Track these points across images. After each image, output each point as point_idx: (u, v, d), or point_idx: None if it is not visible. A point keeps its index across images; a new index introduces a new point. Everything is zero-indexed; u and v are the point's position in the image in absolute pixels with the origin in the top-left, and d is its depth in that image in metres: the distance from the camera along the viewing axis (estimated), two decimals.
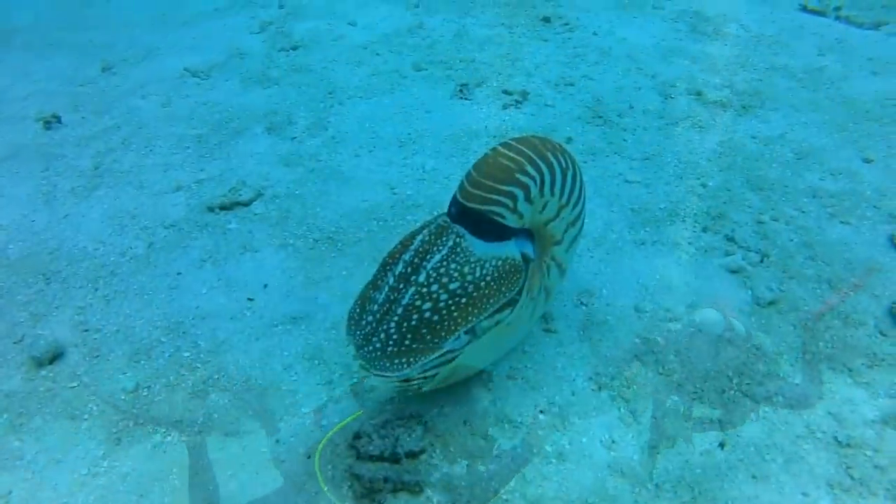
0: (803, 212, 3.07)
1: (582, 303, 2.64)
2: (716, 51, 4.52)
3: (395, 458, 2.06)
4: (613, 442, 2.15)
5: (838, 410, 2.24)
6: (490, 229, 1.90)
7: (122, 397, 2.31)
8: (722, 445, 2.14)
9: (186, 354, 2.46)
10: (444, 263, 1.83)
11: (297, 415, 2.24)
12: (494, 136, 3.60)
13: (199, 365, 2.42)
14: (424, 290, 1.81)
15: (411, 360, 1.79)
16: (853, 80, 4.13)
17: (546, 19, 4.83)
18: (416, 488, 2.00)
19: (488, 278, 1.85)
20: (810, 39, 4.67)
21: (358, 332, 1.86)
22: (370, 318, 1.85)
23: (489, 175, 1.89)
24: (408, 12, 4.96)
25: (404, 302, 1.81)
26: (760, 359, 2.42)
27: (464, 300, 1.81)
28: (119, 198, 3.25)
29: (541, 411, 2.24)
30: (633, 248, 2.90)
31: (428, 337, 1.79)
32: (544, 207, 2.04)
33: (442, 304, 1.80)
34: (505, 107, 3.87)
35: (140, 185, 3.33)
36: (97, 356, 2.46)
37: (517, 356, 2.42)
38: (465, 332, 1.87)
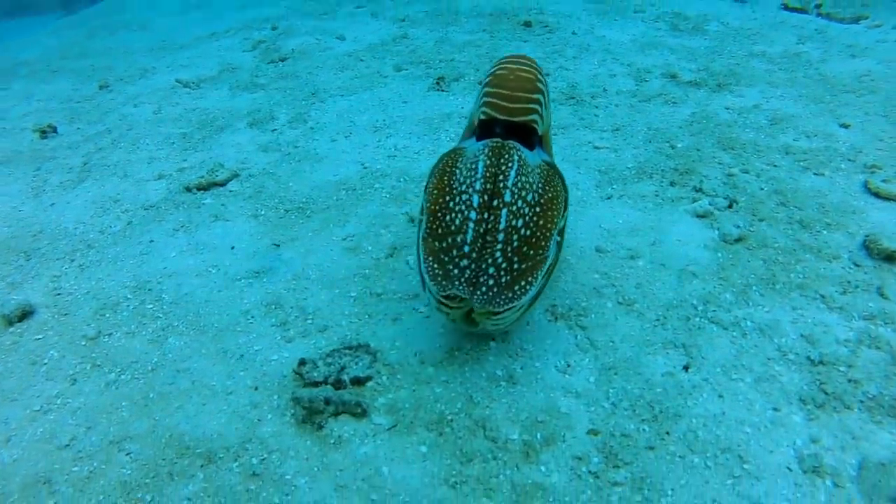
0: (775, 165, 3.03)
1: None
2: (694, 43, 4.59)
3: (339, 384, 2.01)
4: (569, 366, 2.07)
5: (811, 332, 2.13)
6: (528, 139, 2.02)
7: (83, 343, 2.32)
8: (686, 368, 2.05)
9: (150, 307, 2.47)
10: (519, 178, 1.78)
11: (249, 352, 2.21)
12: (465, 118, 3.66)
13: (160, 315, 2.43)
14: (514, 208, 1.75)
15: (529, 279, 1.73)
16: (831, 62, 4.14)
17: (527, 24, 4.98)
18: (357, 410, 1.93)
19: (545, 182, 1.83)
20: (790, 31, 4.72)
21: (458, 283, 1.71)
22: (465, 261, 1.72)
23: (520, 88, 2.01)
24: (394, 25, 5.17)
25: (501, 226, 1.74)
26: (727, 289, 2.33)
27: (539, 208, 1.78)
28: (103, 186, 3.34)
29: (492, 339, 2.17)
30: (599, 202, 2.87)
31: (531, 252, 1.74)
32: (546, 112, 2.14)
33: (529, 217, 1.76)
34: None
35: (124, 175, 3.44)
36: (66, 314, 2.48)
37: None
38: (558, 235, 1.85)
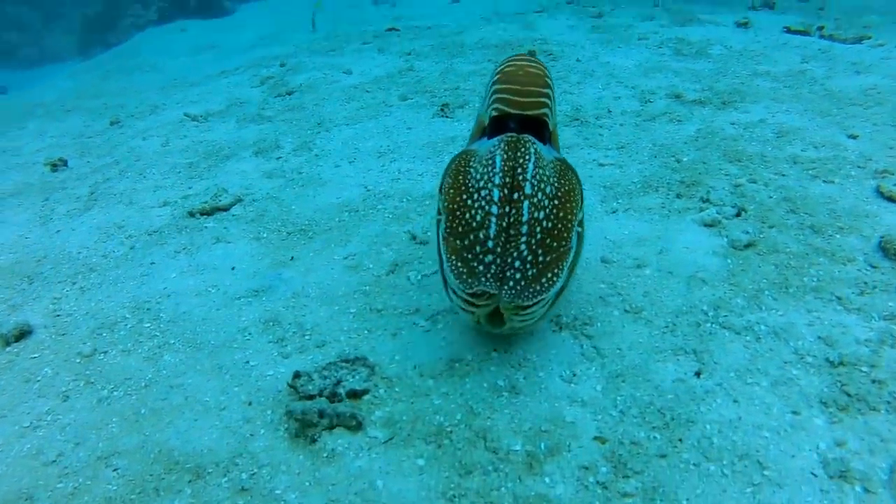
0: (783, 175, 2.96)
1: None
2: (698, 66, 4.60)
3: (334, 397, 1.93)
4: (574, 375, 1.98)
5: (828, 334, 2.03)
6: (540, 133, 2.01)
7: (78, 361, 2.28)
8: (698, 374, 1.95)
9: (147, 325, 2.44)
10: (538, 170, 1.76)
11: (244, 368, 2.16)
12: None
13: (157, 333, 2.40)
14: (535, 199, 1.73)
15: (556, 270, 1.70)
16: (836, 78, 4.11)
17: (531, 53, 5.04)
18: (353, 423, 1.85)
19: (560, 175, 1.81)
20: (793, 51, 4.72)
21: (485, 279, 1.69)
22: (490, 257, 1.70)
23: (530, 83, 2.01)
24: (400, 59, 5.25)
25: (524, 219, 1.71)
26: (739, 294, 2.24)
27: (557, 201, 1.76)
28: (109, 213, 3.37)
29: (494, 350, 2.09)
30: (605, 216, 2.81)
31: (555, 244, 1.72)
32: (554, 109, 2.14)
33: (549, 209, 1.74)
34: None
35: (130, 202, 3.46)
36: (63, 334, 2.46)
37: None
38: (578, 226, 1.83)
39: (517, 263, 1.69)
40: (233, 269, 2.75)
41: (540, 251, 1.70)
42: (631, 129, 3.66)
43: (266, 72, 5.35)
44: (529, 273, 1.69)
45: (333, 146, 3.85)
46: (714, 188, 2.90)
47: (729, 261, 2.41)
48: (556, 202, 1.76)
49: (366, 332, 2.28)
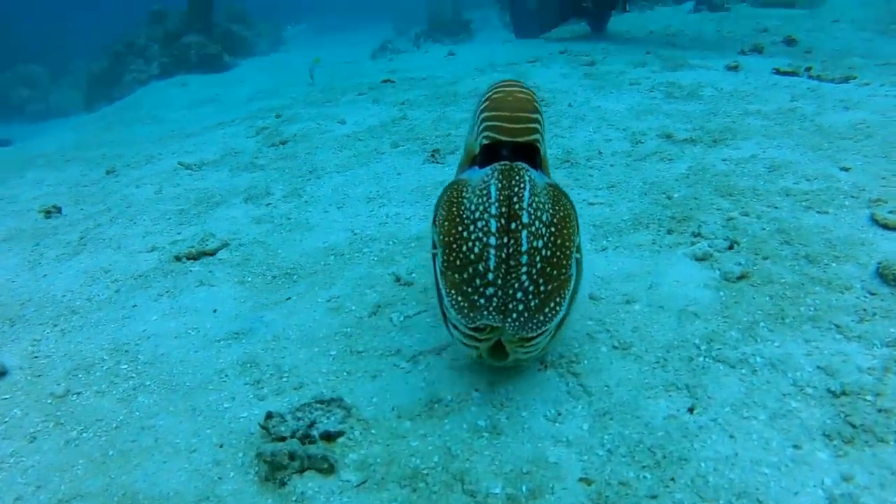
0: (776, 207, 2.90)
1: None
2: (689, 108, 4.62)
3: (307, 439, 1.83)
4: (559, 414, 1.87)
5: (828, 363, 1.92)
6: (531, 160, 1.98)
7: (49, 402, 2.21)
8: (691, 410, 1.84)
9: (124, 367, 2.39)
10: (533, 198, 1.74)
11: (218, 409, 2.08)
12: None
13: (133, 375, 2.34)
14: (533, 228, 1.71)
15: (558, 299, 1.68)
16: (826, 115, 4.10)
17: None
18: (325, 465, 1.74)
19: (554, 201, 1.79)
20: (783, 91, 4.75)
21: (487, 313, 1.64)
22: (491, 289, 1.66)
23: (520, 108, 1.97)
24: (394, 109, 5.32)
25: (524, 249, 1.68)
26: (733, 327, 2.14)
27: (554, 228, 1.74)
28: (97, 258, 3.35)
29: (476, 389, 1.99)
30: (594, 254, 2.74)
31: (555, 273, 1.69)
32: (544, 135, 2.12)
33: (547, 237, 1.72)
34: None
35: (118, 247, 3.45)
36: (39, 375, 2.40)
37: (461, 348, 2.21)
38: (577, 252, 1.79)
39: (519, 295, 1.65)
40: (214, 311, 2.69)
41: (541, 281, 1.68)
42: (621, 169, 3.64)
43: (262, 123, 5.43)
44: (532, 304, 1.65)
45: (323, 192, 3.85)
46: (705, 222, 2.84)
47: (722, 293, 2.33)
48: (553, 229, 1.73)
49: (345, 373, 2.19)
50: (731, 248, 2.61)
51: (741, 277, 2.38)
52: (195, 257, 3.19)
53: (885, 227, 2.57)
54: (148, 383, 2.27)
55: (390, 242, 3.07)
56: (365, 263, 2.92)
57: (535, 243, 1.69)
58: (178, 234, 3.53)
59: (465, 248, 1.71)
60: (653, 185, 3.33)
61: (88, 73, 11.20)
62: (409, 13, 13.45)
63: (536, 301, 1.65)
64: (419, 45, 9.77)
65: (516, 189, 1.73)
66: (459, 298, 1.67)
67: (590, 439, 1.77)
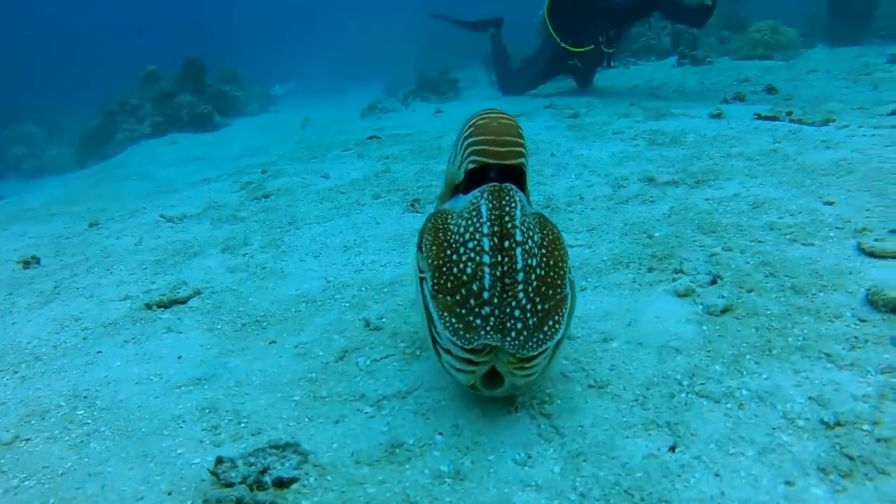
0: (760, 241, 2.81)
1: None
2: (672, 153, 4.61)
3: (259, 486, 1.68)
4: (529, 457, 1.72)
5: (820, 393, 1.78)
6: (519, 183, 1.94)
7: None
8: (673, 448, 1.68)
9: (80, 413, 2.26)
10: (524, 218, 1.73)
11: (171, 456, 1.94)
12: None
13: (89, 421, 2.21)
14: (527, 246, 1.68)
15: (556, 317, 1.64)
16: (808, 154, 4.08)
17: None
18: None
19: (542, 226, 1.78)
20: (765, 134, 4.75)
21: (485, 333, 1.59)
22: (487, 309, 1.61)
23: (506, 132, 1.95)
24: (378, 163, 5.32)
25: (519, 266, 1.65)
26: (717, 361, 2.01)
27: (545, 249, 1.72)
28: (68, 306, 3.26)
29: (440, 433, 1.83)
30: None
31: (550, 292, 1.66)
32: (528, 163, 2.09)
33: (540, 256, 1.70)
34: None
35: (91, 296, 3.36)
36: None
37: (430, 393, 2.07)
38: (569, 273, 1.76)
39: (517, 313, 1.61)
40: (179, 358, 2.58)
41: (537, 299, 1.64)
42: (602, 213, 3.57)
43: (247, 178, 5.44)
44: (531, 322, 1.61)
45: (301, 242, 3.78)
46: (687, 259, 2.75)
47: (705, 327, 2.20)
48: (544, 251, 1.72)
49: (306, 419, 2.04)
50: (713, 282, 2.50)
51: (725, 311, 2.26)
52: (166, 305, 3.10)
53: (872, 255, 2.47)
54: (103, 429, 2.15)
55: (363, 289, 2.97)
56: (336, 309, 2.81)
57: (529, 261, 1.66)
58: (153, 283, 3.45)
59: (455, 269, 1.67)
60: (633, 226, 3.25)
61: (82, 131, 11.42)
62: (400, 75, 13.85)
63: (535, 319, 1.61)
64: (407, 104, 9.96)
65: (507, 209, 1.72)
66: (453, 320, 1.61)
67: (561, 482, 1.60)
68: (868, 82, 6.77)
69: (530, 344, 1.58)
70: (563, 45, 7.96)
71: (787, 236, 2.82)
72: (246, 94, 13.21)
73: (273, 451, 1.82)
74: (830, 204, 3.14)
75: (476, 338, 1.58)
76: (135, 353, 2.67)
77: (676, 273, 2.64)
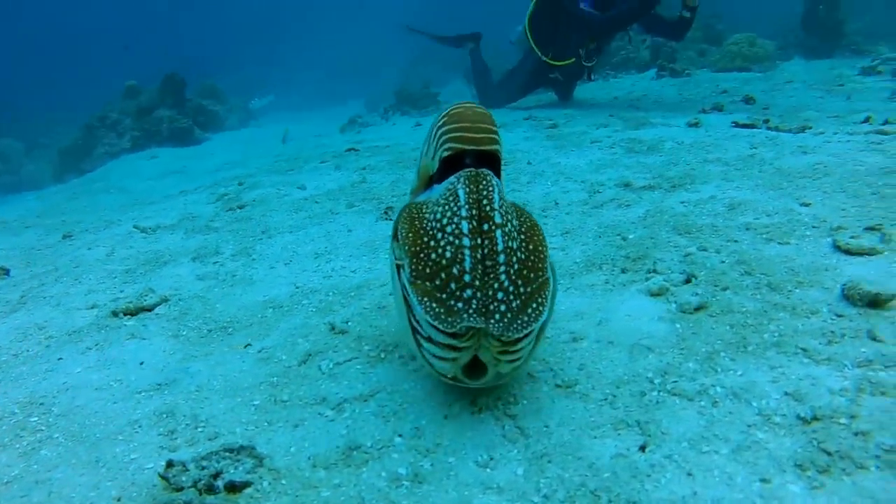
0: (736, 241, 2.76)
1: None
2: (650, 160, 4.58)
3: (210, 490, 1.57)
4: (491, 459, 1.62)
5: (796, 388, 1.72)
6: (495, 170, 1.90)
7: None
8: (643, 448, 1.60)
9: (34, 420, 2.15)
10: (502, 202, 1.70)
11: (123, 461, 1.85)
12: None
13: (43, 427, 2.10)
14: (507, 229, 1.66)
15: (539, 299, 1.61)
16: (785, 158, 4.07)
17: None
18: None
19: (519, 213, 1.78)
20: (743, 140, 4.74)
21: (468, 315, 1.54)
22: (469, 291, 1.57)
23: (480, 120, 1.91)
24: (354, 174, 5.25)
25: (500, 248, 1.62)
26: (690, 358, 1.93)
27: (524, 235, 1.71)
28: (33, 315, 3.14)
29: (399, 435, 1.74)
30: None
31: (531, 275, 1.64)
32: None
33: (520, 240, 1.68)
34: None
35: (57, 304, 3.25)
36: None
37: (392, 395, 1.98)
38: (549, 260, 1.74)
39: (500, 295, 1.58)
40: (141, 364, 2.49)
41: (520, 281, 1.61)
42: (577, 217, 3.52)
43: (223, 190, 5.34)
44: (514, 304, 1.58)
45: (272, 251, 3.68)
46: (661, 259, 2.69)
47: (678, 325, 2.13)
48: (523, 236, 1.70)
49: (265, 423, 1.95)
50: (688, 281, 2.44)
51: (699, 308, 2.20)
52: (133, 313, 3.00)
53: (848, 252, 2.42)
54: (56, 436, 2.05)
55: (331, 293, 2.88)
56: (302, 314, 2.71)
57: (510, 244, 1.64)
58: (122, 291, 3.34)
59: (434, 255, 1.64)
60: (608, 228, 3.19)
61: (61, 146, 11.25)
62: (381, 90, 13.85)
63: (518, 302, 1.58)
64: (387, 119, 9.93)
65: (485, 192, 1.69)
66: (434, 305, 1.57)
67: (524, 484, 1.51)
68: (842, 93, 6.84)
69: (515, 326, 1.54)
70: (544, 58, 7.98)
71: (764, 236, 2.77)
72: (225, 109, 13.13)
73: (227, 454, 1.72)
74: (807, 205, 3.11)
75: (459, 321, 1.53)
76: (96, 360, 2.57)
77: (650, 273, 2.57)
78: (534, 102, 8.76)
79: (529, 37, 8.05)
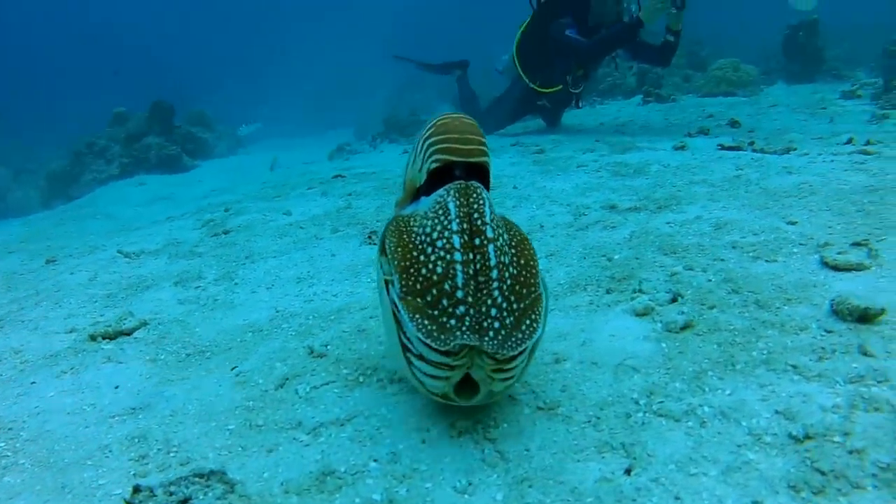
0: (722, 260, 2.73)
1: None
2: (636, 183, 4.58)
3: None
4: (470, 484, 1.55)
5: (787, 406, 1.66)
6: (484, 182, 1.86)
7: None
8: (628, 471, 1.53)
9: (0, 445, 2.06)
10: (492, 215, 1.67)
11: (91, 487, 1.77)
12: None
13: (9, 453, 2.01)
14: (498, 244, 1.62)
15: (533, 316, 1.58)
16: (770, 179, 4.07)
17: None
18: None
19: (508, 228, 1.74)
20: (728, 162, 4.76)
21: (461, 333, 1.50)
22: (462, 308, 1.52)
23: (468, 131, 1.85)
24: (340, 200, 5.22)
25: (492, 263, 1.58)
26: (676, 378, 1.88)
27: (515, 249, 1.68)
28: (9, 339, 3.06)
29: (375, 460, 1.66)
30: None
31: (524, 291, 1.61)
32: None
33: (511, 254, 1.65)
34: None
35: (35, 328, 3.17)
36: None
37: (369, 420, 1.90)
38: (540, 276, 1.71)
39: (493, 312, 1.54)
40: (116, 388, 2.42)
41: (513, 297, 1.58)
42: (562, 239, 3.48)
43: (210, 216, 5.29)
44: (507, 321, 1.54)
45: (255, 275, 3.62)
46: (647, 279, 2.65)
47: (664, 345, 2.08)
48: (514, 250, 1.67)
49: (239, 448, 1.87)
50: (674, 300, 2.39)
51: (685, 327, 2.15)
52: (111, 337, 2.93)
53: (836, 268, 2.39)
54: (22, 461, 1.96)
55: (311, 317, 2.81)
56: (281, 338, 2.64)
57: (502, 259, 1.61)
58: (101, 315, 3.27)
59: (424, 270, 1.59)
60: (593, 250, 3.16)
61: (48, 172, 11.17)
62: (370, 118, 13.90)
63: (512, 318, 1.55)
64: (375, 146, 9.95)
65: (476, 206, 1.64)
66: (426, 322, 1.52)
67: None
68: (825, 115, 6.93)
69: (510, 343, 1.50)
70: (531, 85, 8.05)
71: (750, 254, 2.74)
72: (214, 136, 13.12)
73: (197, 480, 1.64)
74: (793, 223, 3.09)
75: (452, 339, 1.48)
76: (71, 384, 2.49)
77: (635, 293, 2.53)
78: (521, 129, 8.81)
79: (517, 64, 8.13)
